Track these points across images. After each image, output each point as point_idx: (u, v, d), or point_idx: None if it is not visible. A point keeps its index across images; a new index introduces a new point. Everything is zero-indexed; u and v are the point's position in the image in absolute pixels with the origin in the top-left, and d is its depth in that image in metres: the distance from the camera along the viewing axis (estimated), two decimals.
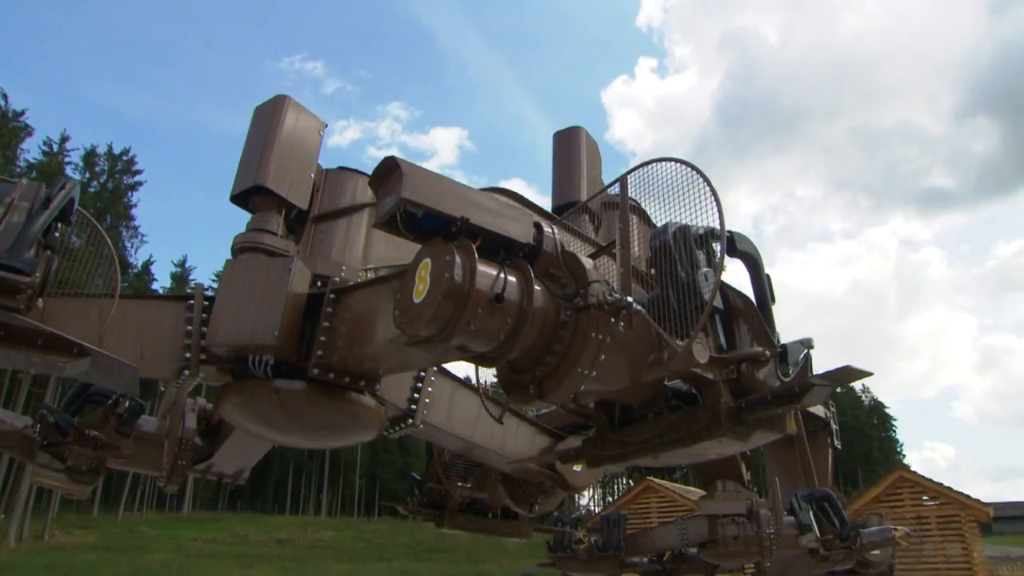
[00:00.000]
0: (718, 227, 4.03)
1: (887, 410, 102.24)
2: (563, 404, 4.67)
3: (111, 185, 66.18)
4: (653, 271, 4.28)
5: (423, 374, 6.21)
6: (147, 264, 67.26)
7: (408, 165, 3.74)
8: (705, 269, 4.09)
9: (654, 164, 4.03)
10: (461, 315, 3.58)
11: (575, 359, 3.72)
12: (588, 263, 3.90)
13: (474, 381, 6.55)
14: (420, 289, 3.73)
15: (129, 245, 63.91)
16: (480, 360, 3.99)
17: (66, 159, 65.13)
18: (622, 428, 4.51)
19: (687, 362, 3.79)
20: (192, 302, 5.46)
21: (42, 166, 60.78)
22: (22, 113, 60.04)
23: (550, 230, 4.09)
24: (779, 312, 10.05)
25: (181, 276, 71.69)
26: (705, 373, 3.89)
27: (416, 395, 6.11)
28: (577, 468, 6.94)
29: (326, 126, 6.71)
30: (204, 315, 5.42)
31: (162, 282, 70.11)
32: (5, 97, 58.05)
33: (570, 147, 7.69)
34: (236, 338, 5.13)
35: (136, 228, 65.62)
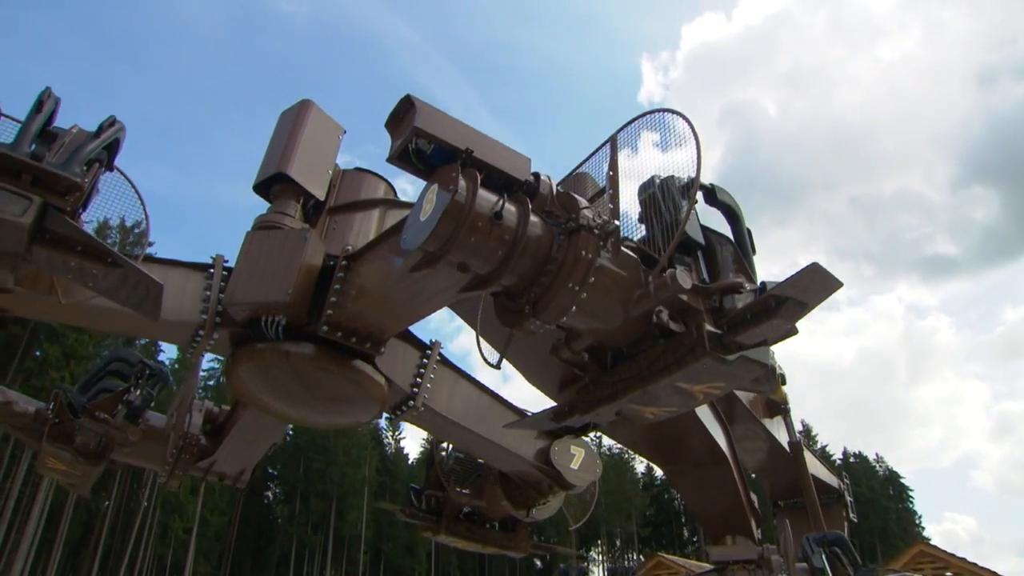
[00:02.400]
0: (695, 179, 4.45)
1: (903, 480, 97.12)
2: (558, 352, 4.92)
3: None
4: (641, 217, 4.64)
5: (426, 360, 6.46)
6: None
7: (421, 102, 4.21)
8: (689, 212, 4.46)
9: (646, 116, 4.49)
10: (461, 230, 3.94)
11: (567, 276, 4.03)
12: (581, 200, 4.28)
13: (472, 374, 6.80)
14: (427, 209, 4.10)
15: None
16: (479, 284, 4.30)
17: None
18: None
19: (673, 288, 4.10)
20: (212, 270, 5.83)
21: None
22: None
23: (546, 176, 4.50)
24: (789, 385, 10.56)
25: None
26: (689, 301, 4.16)
27: (419, 379, 6.33)
28: (574, 465, 7.00)
29: (345, 132, 7.31)
30: (222, 283, 5.78)
31: (169, 353, 70.81)
32: None
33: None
34: (252, 296, 5.46)
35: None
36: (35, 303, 5.32)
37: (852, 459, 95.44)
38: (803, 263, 3.88)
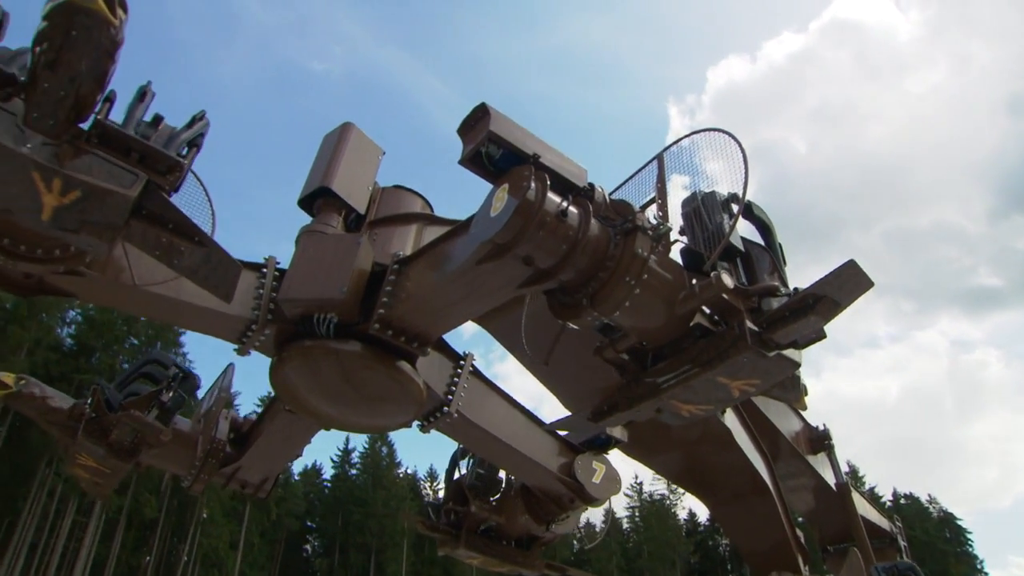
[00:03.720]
0: (739, 194, 4.93)
1: (960, 522, 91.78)
2: (603, 351, 5.27)
3: None
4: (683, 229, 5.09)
5: (460, 370, 6.74)
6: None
7: (494, 110, 4.67)
8: (728, 221, 4.92)
9: (694, 136, 5.00)
10: (531, 225, 4.35)
11: (624, 271, 4.44)
12: (635, 205, 4.73)
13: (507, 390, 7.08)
14: (497, 206, 4.51)
15: None
16: (539, 278, 4.67)
17: None
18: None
19: (718, 287, 4.51)
20: (265, 269, 6.15)
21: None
22: None
23: (599, 186, 4.95)
24: (833, 424, 10.52)
25: (228, 402, 73.15)
26: (731, 301, 4.57)
27: (453, 388, 6.60)
28: (596, 479, 7.22)
29: (384, 153, 7.79)
30: (274, 282, 6.09)
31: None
32: None
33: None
34: (307, 292, 5.77)
35: (185, 355, 65.98)
36: (102, 288, 5.57)
37: (903, 501, 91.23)
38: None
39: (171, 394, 7.25)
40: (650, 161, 5.24)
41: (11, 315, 50.19)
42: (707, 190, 5.12)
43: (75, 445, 6.85)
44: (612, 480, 7.36)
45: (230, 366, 7.71)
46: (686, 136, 5.06)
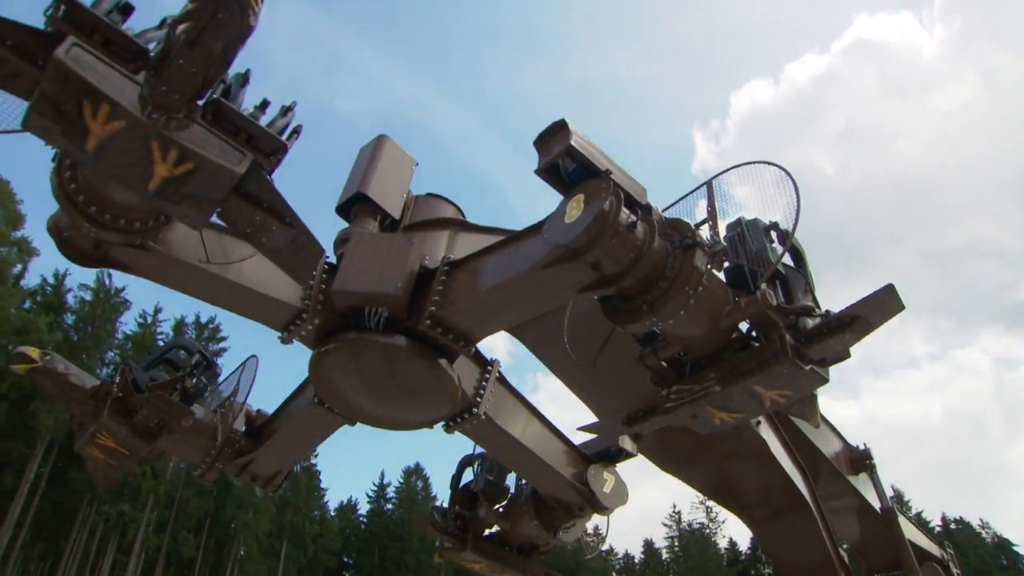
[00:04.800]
0: (778, 222, 5.47)
1: (1016, 548, 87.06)
2: (645, 359, 5.67)
3: None
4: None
5: (487, 375, 7.03)
6: None
7: (573, 127, 5.10)
8: (774, 244, 5.43)
9: (744, 166, 5.52)
10: (605, 234, 4.76)
11: (684, 282, 4.88)
12: (690, 224, 5.19)
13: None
14: (573, 214, 4.91)
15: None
16: (602, 283, 5.07)
17: (158, 329, 72.83)
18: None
19: (762, 304, 4.99)
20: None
21: (136, 337, 68.69)
22: (122, 289, 68.26)
23: (655, 205, 5.41)
24: (874, 447, 10.19)
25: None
26: (773, 316, 5.04)
27: (482, 391, 6.88)
28: (606, 489, 7.53)
29: (417, 163, 8.16)
30: (324, 274, 6.33)
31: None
32: (109, 276, 66.25)
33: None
34: (362, 286, 6.03)
35: (220, 392, 67.12)
36: (163, 264, 5.72)
37: (953, 525, 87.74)
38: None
39: (194, 381, 7.33)
40: (699, 187, 5.74)
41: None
42: (749, 217, 5.63)
43: (98, 424, 6.86)
44: (621, 490, 7.68)
45: (253, 358, 7.82)
46: (737, 166, 5.58)
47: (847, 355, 5.27)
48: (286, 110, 5.08)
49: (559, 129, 5.13)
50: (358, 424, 7.13)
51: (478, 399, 6.81)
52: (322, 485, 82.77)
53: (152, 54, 4.31)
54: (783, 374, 5.01)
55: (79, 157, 4.32)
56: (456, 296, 6.05)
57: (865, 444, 10.25)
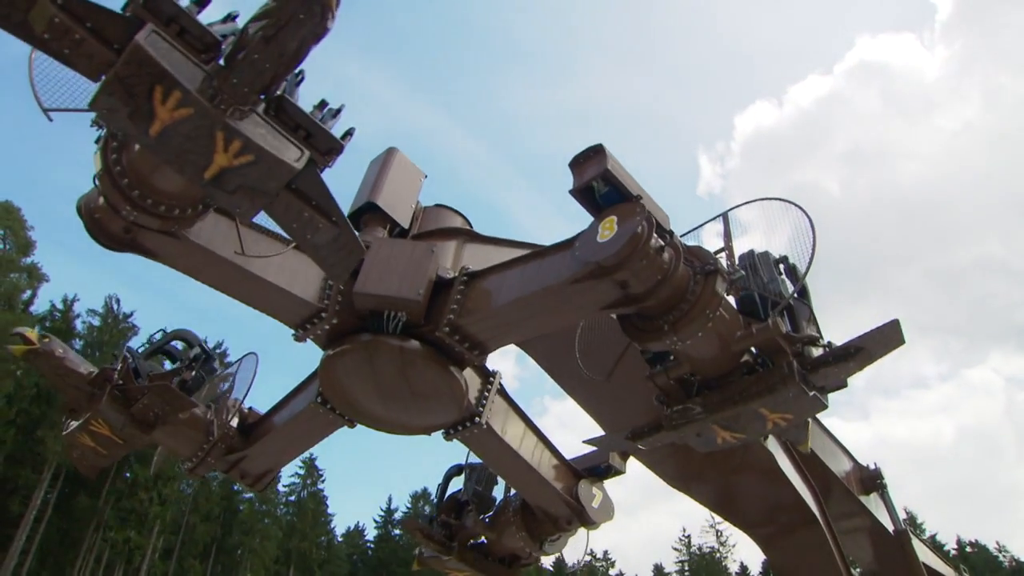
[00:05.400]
0: (787, 256, 5.86)
1: None
2: (655, 378, 5.94)
3: None
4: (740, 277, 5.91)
5: (489, 386, 7.19)
6: None
7: (609, 152, 5.39)
8: (782, 276, 5.80)
9: (757, 201, 5.89)
10: (636, 255, 5.04)
11: (704, 305, 5.19)
12: (711, 252, 5.53)
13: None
14: (605, 234, 5.18)
15: None
16: (627, 301, 5.34)
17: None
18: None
19: (773, 331, 5.33)
20: None
21: None
22: (131, 314, 68.60)
23: (676, 233, 5.73)
24: (885, 469, 9.97)
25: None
26: (781, 343, 5.39)
27: (484, 401, 7.04)
28: (595, 504, 7.73)
29: (426, 176, 8.37)
30: None
31: None
32: (118, 301, 67.42)
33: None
34: (385, 290, 6.17)
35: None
36: (189, 253, 5.75)
37: (968, 549, 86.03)
38: None
39: (192, 374, 7.29)
40: (714, 217, 6.10)
41: (53, 397, 51.57)
42: (760, 249, 6.01)
43: (95, 411, 6.75)
44: (608, 506, 7.90)
45: (253, 356, 7.81)
46: (756, 200, 5.96)
47: (845, 384, 5.66)
48: (336, 112, 5.25)
49: (595, 153, 5.42)
50: (366, 448, 7.37)
51: (480, 408, 6.98)
52: (329, 511, 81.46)
53: (224, 47, 4.45)
54: (789, 398, 5.34)
55: (140, 140, 4.40)
56: (475, 306, 6.23)
57: (876, 463, 10.17)
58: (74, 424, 7.11)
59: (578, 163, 5.52)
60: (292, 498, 73.09)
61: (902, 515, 10.55)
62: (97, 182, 5.26)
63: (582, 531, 8.27)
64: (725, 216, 6.04)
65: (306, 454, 70.24)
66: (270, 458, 7.89)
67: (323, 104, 4.96)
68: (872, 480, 10.09)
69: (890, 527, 10.02)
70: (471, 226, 8.06)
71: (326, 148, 4.79)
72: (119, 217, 5.30)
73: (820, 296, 6.01)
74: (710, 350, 5.57)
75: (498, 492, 8.65)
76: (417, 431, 6.98)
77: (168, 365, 7.58)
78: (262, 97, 4.56)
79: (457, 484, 8.88)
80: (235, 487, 67.55)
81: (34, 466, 51.38)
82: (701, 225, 6.12)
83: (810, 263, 5.44)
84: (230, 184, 4.53)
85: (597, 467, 8.00)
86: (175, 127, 4.28)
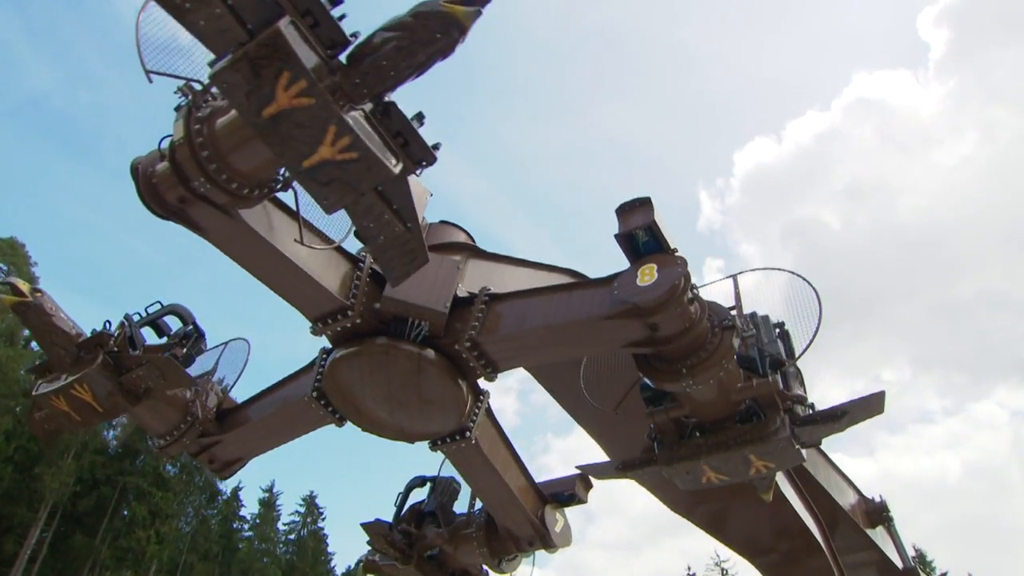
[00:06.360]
0: (784, 322, 6.59)
1: None
2: (655, 415, 6.45)
3: None
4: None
5: (480, 404, 7.46)
6: (236, 490, 67.28)
7: (655, 205, 5.93)
8: (777, 341, 6.50)
9: (768, 271, 6.60)
10: (672, 301, 5.57)
11: (721, 356, 5.78)
12: (727, 309, 6.16)
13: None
14: (645, 279, 5.68)
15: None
16: (651, 342, 5.84)
17: None
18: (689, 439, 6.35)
19: (773, 388, 6.00)
20: (363, 264, 6.65)
21: None
22: None
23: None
24: (892, 505, 10.00)
25: (269, 501, 70.41)
26: (777, 399, 6.06)
27: (474, 417, 7.30)
28: (557, 529, 8.07)
29: (432, 194, 8.64)
30: (369, 277, 6.60)
31: (251, 507, 69.61)
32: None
33: None
34: (414, 298, 6.38)
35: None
36: (233, 231, 5.76)
37: None
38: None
39: (184, 351, 7.15)
40: (724, 278, 6.77)
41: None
42: (762, 313, 6.70)
43: (83, 375, 6.48)
44: (567, 532, 8.26)
45: (244, 342, 7.73)
46: (763, 268, 6.67)
47: (819, 443, 6.40)
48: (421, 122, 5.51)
49: (642, 204, 5.95)
50: (366, 486, 7.34)
51: (471, 423, 7.23)
52: (329, 549, 77.09)
53: (352, 46, 4.63)
54: (778, 448, 6.00)
55: (250, 119, 4.50)
56: (496, 326, 6.54)
57: (881, 496, 10.11)
58: (46, 386, 6.78)
59: (624, 211, 6.02)
60: (292, 536, 70.90)
61: (911, 552, 10.74)
62: (165, 148, 5.26)
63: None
64: (735, 279, 6.72)
65: (306, 491, 70.96)
66: (245, 446, 7.77)
67: (420, 116, 5.21)
68: (878, 513, 10.00)
69: (898, 563, 10.01)
70: (474, 242, 8.37)
71: (419, 158, 5.03)
72: (180, 187, 5.30)
73: (821, 333, 6.38)
74: (711, 396, 6.16)
75: (459, 507, 8.84)
76: (413, 437, 7.13)
77: (154, 340, 7.35)
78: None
79: (418, 495, 8.99)
80: (234, 525, 65.79)
81: (30, 504, 50.13)
82: (709, 284, 6.76)
83: (815, 333, 6.17)
84: (325, 176, 4.69)
85: (561, 494, 8.37)
86: (290, 113, 4.43)
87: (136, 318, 7.17)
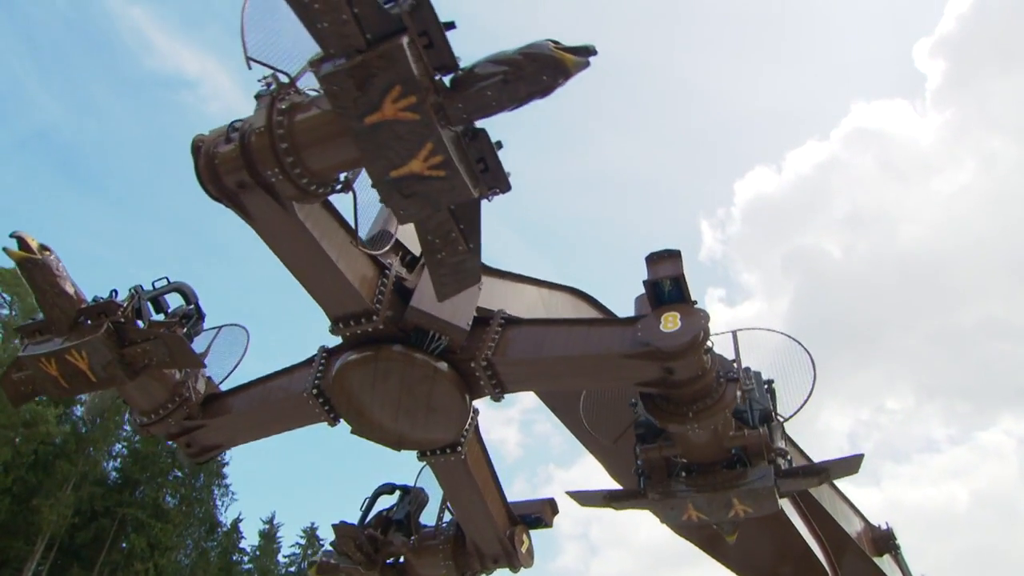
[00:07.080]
0: (772, 379, 7.17)
1: None
2: (648, 452, 6.85)
3: None
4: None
5: (467, 428, 7.60)
6: (236, 522, 63.95)
7: (682, 259, 6.36)
8: (767, 396, 7.05)
9: (762, 331, 7.15)
10: (693, 350, 6.01)
11: (724, 405, 6.26)
12: (732, 363, 6.66)
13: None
14: (669, 326, 6.08)
15: (220, 504, 61.87)
16: (663, 384, 6.24)
17: None
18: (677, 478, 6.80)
19: (762, 438, 6.53)
20: (388, 271, 6.76)
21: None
22: None
23: None
24: (901, 536, 10.18)
25: (270, 533, 67.28)
26: (764, 450, 6.59)
27: (466, 433, 7.48)
28: (523, 549, 8.28)
29: None
30: (394, 285, 6.72)
31: (251, 539, 65.99)
32: None
33: None
34: (440, 313, 6.54)
35: (227, 486, 62.45)
36: (277, 218, 5.76)
37: None
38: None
39: (184, 331, 6.99)
40: (725, 332, 7.30)
41: (59, 450, 49.04)
42: (755, 369, 7.25)
43: (82, 341, 6.23)
44: (531, 554, 8.50)
45: (242, 329, 7.62)
46: (766, 329, 7.23)
47: (791, 495, 6.98)
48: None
49: (672, 256, 6.38)
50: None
51: (462, 439, 7.41)
52: None
53: (458, 71, 4.82)
54: (760, 495, 6.53)
55: (350, 123, 4.63)
56: (510, 350, 6.78)
57: (888, 524, 10.13)
58: (35, 347, 6.47)
59: (653, 260, 6.43)
60: (293, 569, 66.93)
61: None
62: (234, 132, 5.27)
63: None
64: (734, 334, 7.25)
65: (307, 522, 67.61)
66: (228, 434, 7.63)
67: (499, 144, 5.44)
68: (885, 540, 10.03)
69: None
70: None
71: (494, 184, 5.24)
72: (243, 171, 5.31)
73: (823, 364, 6.88)
74: (706, 440, 6.62)
75: (426, 519, 8.91)
76: (410, 445, 7.23)
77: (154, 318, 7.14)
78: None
79: (385, 503, 9.00)
80: (233, 557, 62.24)
81: (27, 537, 47.87)
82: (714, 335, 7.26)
83: (809, 394, 6.75)
84: (409, 189, 4.87)
85: (529, 516, 8.62)
86: (392, 124, 4.60)
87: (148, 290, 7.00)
